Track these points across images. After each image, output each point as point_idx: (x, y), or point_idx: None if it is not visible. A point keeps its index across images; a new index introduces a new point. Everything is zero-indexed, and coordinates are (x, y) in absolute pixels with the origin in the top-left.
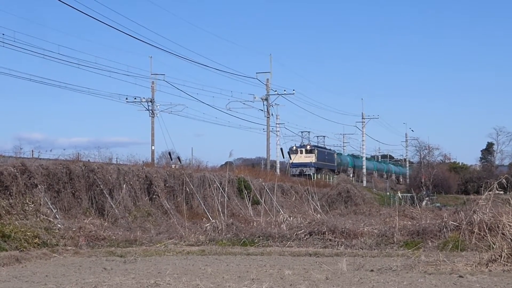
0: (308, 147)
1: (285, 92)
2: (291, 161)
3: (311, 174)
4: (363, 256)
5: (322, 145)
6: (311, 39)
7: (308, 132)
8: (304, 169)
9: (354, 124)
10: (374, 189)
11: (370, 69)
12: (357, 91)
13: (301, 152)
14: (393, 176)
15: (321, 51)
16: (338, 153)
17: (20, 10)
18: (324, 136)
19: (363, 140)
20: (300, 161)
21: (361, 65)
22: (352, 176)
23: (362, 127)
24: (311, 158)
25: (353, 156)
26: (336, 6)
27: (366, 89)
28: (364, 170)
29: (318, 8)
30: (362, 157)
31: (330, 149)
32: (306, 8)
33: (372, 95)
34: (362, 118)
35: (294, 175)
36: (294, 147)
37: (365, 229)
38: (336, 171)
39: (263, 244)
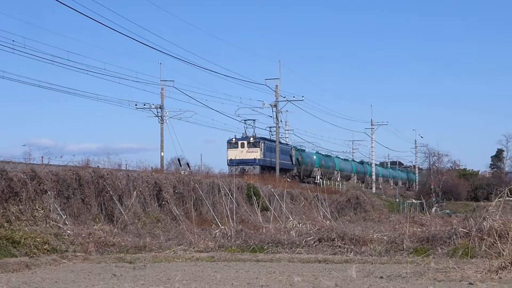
0: (252, 139)
1: (294, 98)
2: (229, 158)
3: (256, 174)
4: (372, 263)
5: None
6: (320, 46)
7: (254, 120)
8: (246, 167)
9: (363, 130)
10: (384, 196)
11: (379, 76)
12: (366, 98)
13: (242, 146)
14: (400, 182)
15: (330, 57)
16: (298, 149)
17: (30, 16)
18: (270, 127)
19: (372, 147)
20: (241, 157)
21: (370, 72)
22: (321, 179)
23: (371, 134)
24: (255, 154)
25: (321, 154)
26: (345, 12)
27: (375, 95)
28: (374, 177)
29: (327, 14)
30: (337, 157)
31: (286, 144)
32: (315, 14)
33: (381, 101)
34: (371, 125)
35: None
36: (234, 139)
37: (375, 236)
38: (295, 172)
39: (272, 251)
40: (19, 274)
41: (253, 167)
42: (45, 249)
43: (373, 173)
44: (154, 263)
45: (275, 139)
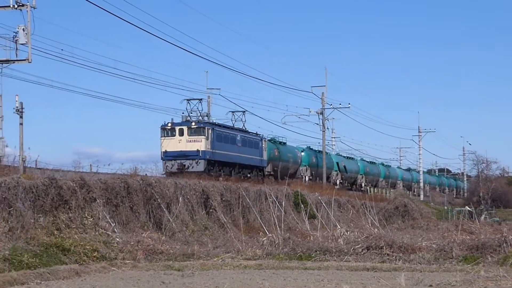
0: (194, 124)
1: (340, 105)
2: (163, 150)
3: (200, 172)
4: (421, 271)
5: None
6: (366, 52)
7: (200, 99)
8: (186, 162)
9: (410, 138)
10: (431, 203)
11: (427, 82)
12: (413, 104)
13: (182, 133)
14: (447, 190)
15: (376, 64)
16: (275, 142)
17: (77, 25)
18: (244, 111)
19: (419, 154)
20: (179, 149)
21: (417, 78)
22: (310, 180)
23: (419, 141)
24: (199, 144)
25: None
26: (392, 19)
27: (422, 102)
28: (421, 184)
29: (374, 21)
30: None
31: (255, 134)
32: (361, 21)
33: (428, 108)
34: (419, 132)
35: (171, 174)
36: (169, 124)
37: (423, 244)
38: (268, 170)
39: (320, 259)
40: (69, 282)
41: (196, 162)
42: (94, 256)
43: (421, 180)
44: (202, 271)
45: (231, 125)
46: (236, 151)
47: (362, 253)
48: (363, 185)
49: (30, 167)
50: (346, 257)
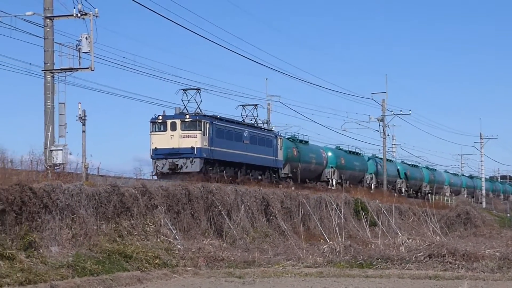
0: (188, 117)
1: (401, 112)
2: (153, 147)
3: (195, 172)
4: (484, 280)
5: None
6: (427, 59)
7: (198, 89)
8: (179, 161)
9: (472, 144)
10: (494, 211)
11: (489, 88)
12: (475, 111)
13: (174, 128)
14: (510, 197)
15: (437, 70)
16: (293, 140)
17: (138, 33)
18: (256, 105)
19: (481, 161)
20: (171, 146)
21: (479, 84)
22: (338, 183)
23: (481, 148)
24: (193, 140)
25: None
26: (451, 26)
27: (484, 108)
28: (483, 192)
29: (433, 28)
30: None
31: (269, 130)
32: (421, 28)
33: (490, 114)
34: (481, 138)
35: (161, 174)
36: (161, 117)
37: (487, 252)
38: (285, 172)
39: (381, 267)
40: None
41: (190, 162)
42: (156, 263)
43: (483, 188)
44: (263, 278)
45: (232, 118)
46: (243, 149)
47: (424, 261)
48: (427, 192)
49: (92, 174)
50: (407, 265)
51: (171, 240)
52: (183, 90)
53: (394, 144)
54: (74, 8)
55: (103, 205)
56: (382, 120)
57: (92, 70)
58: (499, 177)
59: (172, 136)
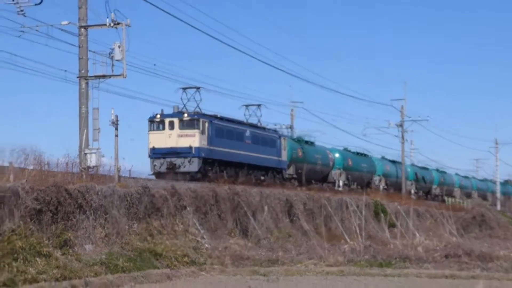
0: (186, 115)
1: (419, 118)
2: (151, 146)
3: (193, 172)
4: (499, 279)
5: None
6: (446, 67)
7: (198, 88)
8: (177, 161)
9: (487, 149)
10: (508, 213)
11: (504, 94)
12: (490, 116)
13: (172, 126)
14: None
15: (454, 78)
16: (298, 140)
17: (166, 41)
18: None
19: (496, 165)
20: (169, 145)
21: (495, 91)
22: (345, 185)
23: (496, 152)
24: (192, 139)
25: (348, 152)
26: (469, 39)
27: (500, 113)
28: (498, 195)
29: (451, 38)
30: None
31: (273, 130)
32: (439, 38)
33: (506, 119)
34: (496, 144)
35: (158, 174)
36: (158, 116)
37: (501, 253)
38: (290, 173)
39: (400, 266)
40: (161, 285)
41: (188, 161)
42: (184, 261)
43: (498, 191)
44: (286, 276)
45: (233, 118)
46: (244, 149)
47: (441, 261)
48: (437, 194)
49: (124, 176)
50: (425, 264)
51: (199, 239)
52: (183, 88)
53: (412, 149)
54: (107, 17)
55: (134, 206)
56: (401, 125)
57: (124, 77)
58: None
59: (170, 135)
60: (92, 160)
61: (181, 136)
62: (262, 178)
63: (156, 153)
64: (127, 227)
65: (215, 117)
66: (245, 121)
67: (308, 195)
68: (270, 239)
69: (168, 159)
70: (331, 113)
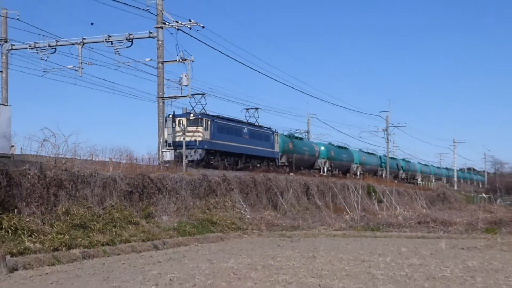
0: (192, 115)
1: (399, 124)
2: (164, 140)
3: (198, 160)
4: (456, 239)
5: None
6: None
7: (203, 94)
8: (186, 152)
9: (447, 146)
10: (462, 192)
11: (461, 107)
12: (451, 122)
13: (181, 124)
14: (474, 183)
15: (425, 92)
16: (289, 136)
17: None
18: (257, 108)
19: (454, 158)
20: (177, 139)
21: (455, 103)
22: (328, 171)
23: (454, 149)
24: (197, 134)
25: (332, 146)
26: (439, 62)
27: (457, 120)
28: (455, 179)
29: (423, 61)
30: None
31: (268, 128)
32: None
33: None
34: (453, 142)
35: (166, 163)
36: (171, 116)
37: (457, 220)
38: (282, 162)
39: (385, 230)
40: (216, 244)
41: (194, 152)
42: (232, 227)
43: (455, 176)
44: (305, 238)
45: (233, 118)
46: (242, 142)
47: (415, 226)
48: (403, 178)
49: (190, 167)
50: (403, 229)
51: (243, 212)
52: (192, 94)
53: (394, 147)
54: (177, 55)
55: (197, 188)
56: (386, 130)
57: (189, 98)
58: (465, 169)
59: (179, 131)
60: (167, 156)
61: (188, 131)
62: (258, 165)
63: (169, 145)
64: (191, 203)
65: (217, 117)
66: (244, 120)
67: (320, 180)
68: (293, 211)
69: (178, 151)
70: (336, 121)
